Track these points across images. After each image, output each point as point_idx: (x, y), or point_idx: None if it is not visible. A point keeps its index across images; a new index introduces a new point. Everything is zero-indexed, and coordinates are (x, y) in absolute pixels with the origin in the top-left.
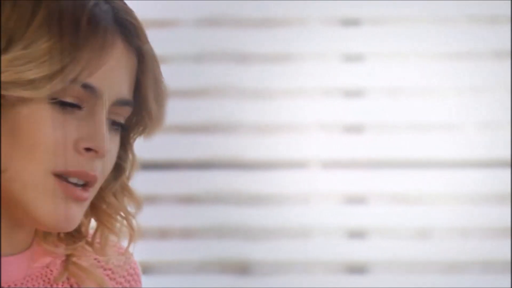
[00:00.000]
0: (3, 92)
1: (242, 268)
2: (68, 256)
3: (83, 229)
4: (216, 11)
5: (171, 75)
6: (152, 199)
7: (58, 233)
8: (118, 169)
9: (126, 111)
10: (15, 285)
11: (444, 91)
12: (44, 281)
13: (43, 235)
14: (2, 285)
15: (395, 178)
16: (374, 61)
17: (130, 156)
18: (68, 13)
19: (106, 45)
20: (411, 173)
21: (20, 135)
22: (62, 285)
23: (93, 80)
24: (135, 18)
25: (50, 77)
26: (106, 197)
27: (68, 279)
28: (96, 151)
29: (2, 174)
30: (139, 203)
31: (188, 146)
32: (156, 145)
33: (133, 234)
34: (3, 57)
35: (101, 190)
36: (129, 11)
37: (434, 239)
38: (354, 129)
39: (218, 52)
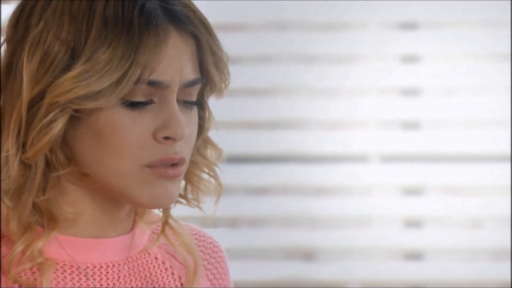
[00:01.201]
0: (77, 107)
1: (306, 255)
2: (165, 222)
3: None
4: (284, 15)
5: (242, 75)
6: (224, 190)
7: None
8: (200, 128)
9: (196, 89)
10: (119, 264)
11: (494, 89)
12: (142, 261)
13: (141, 213)
14: (106, 262)
15: (449, 171)
16: (429, 62)
17: (207, 112)
18: (119, 18)
19: (160, 40)
20: (463, 166)
21: (104, 138)
22: (159, 267)
23: (156, 75)
24: (183, 5)
25: (115, 84)
26: (192, 156)
27: (163, 262)
28: (174, 138)
29: (97, 175)
30: (220, 152)
31: (257, 142)
32: (228, 141)
33: (220, 186)
34: (69, 75)
35: None
36: (175, 0)
37: (485, 228)
38: (411, 125)
39: (285, 53)
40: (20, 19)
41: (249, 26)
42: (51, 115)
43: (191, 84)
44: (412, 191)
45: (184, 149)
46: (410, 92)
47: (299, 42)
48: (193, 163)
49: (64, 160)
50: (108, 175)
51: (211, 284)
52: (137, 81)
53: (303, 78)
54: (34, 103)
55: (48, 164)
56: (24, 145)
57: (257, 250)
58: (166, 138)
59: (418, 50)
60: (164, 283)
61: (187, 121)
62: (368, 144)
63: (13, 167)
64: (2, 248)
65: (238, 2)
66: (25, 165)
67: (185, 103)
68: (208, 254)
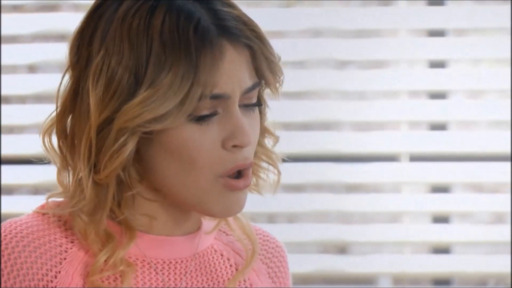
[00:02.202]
0: (146, 129)
1: (340, 249)
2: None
3: None
4: (317, 23)
5: None
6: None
7: None
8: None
9: (255, 92)
10: (186, 260)
11: None
12: (208, 258)
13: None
14: (175, 258)
15: (474, 169)
16: (456, 66)
17: (263, 103)
18: (175, 41)
19: (217, 57)
20: (488, 164)
21: (178, 154)
22: (224, 263)
23: (217, 90)
24: (233, 18)
25: (179, 105)
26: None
27: (228, 259)
28: (241, 146)
29: (168, 190)
30: (276, 139)
31: (293, 142)
32: (266, 141)
33: (279, 173)
34: (135, 101)
35: None
36: (228, 14)
37: (509, 222)
38: (438, 126)
39: (320, 59)
40: (80, 46)
41: (286, 33)
42: (121, 140)
43: (250, 90)
44: (440, 188)
45: (251, 152)
46: (438, 94)
47: (332, 48)
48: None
49: (137, 177)
50: (183, 189)
51: (273, 282)
52: (200, 98)
53: (336, 82)
54: (103, 127)
55: (121, 181)
56: (95, 166)
57: (293, 244)
58: (234, 146)
59: (445, 55)
60: (228, 279)
61: (250, 124)
62: (398, 144)
63: (87, 188)
64: (79, 253)
65: (276, 11)
66: (98, 185)
67: (246, 106)
68: (271, 253)
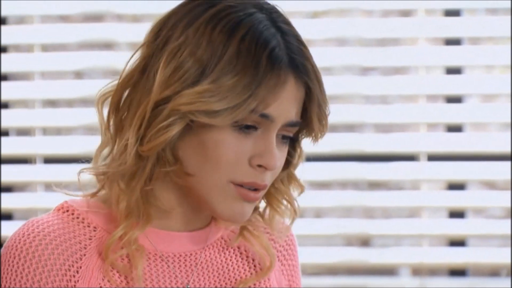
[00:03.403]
0: (194, 118)
1: (363, 241)
2: (243, 227)
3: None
4: (342, 32)
5: None
6: None
7: None
8: (286, 163)
9: (294, 129)
10: (196, 253)
11: None
12: (218, 249)
13: None
14: (185, 252)
15: (487, 167)
16: (471, 72)
17: (298, 151)
18: (251, 53)
19: (280, 82)
20: (500, 163)
21: (207, 150)
22: (234, 252)
23: (268, 110)
24: (306, 58)
25: (232, 109)
26: (275, 183)
27: (238, 247)
28: (266, 168)
29: (192, 178)
30: (302, 188)
31: (319, 142)
32: None
33: (295, 215)
34: (195, 89)
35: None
36: (301, 52)
37: None
38: (454, 127)
39: (344, 65)
40: (162, 29)
41: (314, 41)
42: (170, 119)
43: (292, 125)
44: (455, 185)
45: (269, 178)
46: (454, 98)
47: (356, 55)
48: (276, 190)
49: (172, 160)
50: (200, 182)
51: (282, 265)
52: (251, 112)
53: (360, 87)
54: (159, 104)
55: (158, 159)
56: (142, 139)
57: (320, 237)
58: (259, 166)
59: (461, 62)
60: (238, 266)
61: (280, 155)
62: (417, 144)
63: (130, 156)
64: (97, 249)
65: (304, 21)
66: (140, 156)
67: (282, 138)
68: (283, 247)
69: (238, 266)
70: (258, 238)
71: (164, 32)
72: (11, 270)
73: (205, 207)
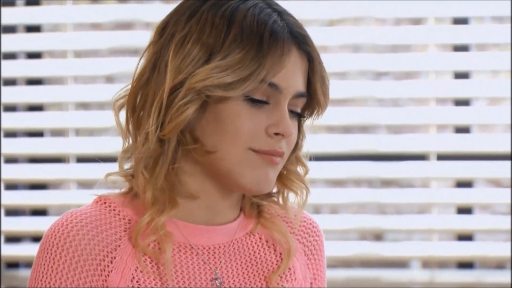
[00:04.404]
0: (209, 93)
1: (376, 236)
2: (259, 212)
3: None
4: (356, 39)
5: None
6: (309, 183)
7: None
8: (295, 145)
9: (302, 102)
10: (224, 246)
11: None
12: (244, 244)
13: (248, 207)
14: (214, 244)
15: (494, 166)
16: (477, 77)
17: (302, 133)
18: (253, 30)
19: (284, 52)
20: (506, 163)
21: (224, 124)
22: (261, 244)
23: (276, 80)
24: (305, 30)
25: (244, 80)
26: (286, 165)
27: (263, 239)
28: (282, 135)
29: (214, 155)
30: (307, 169)
31: (335, 142)
32: (313, 142)
33: (308, 191)
34: (208, 67)
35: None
36: (299, 25)
37: None
38: (462, 128)
39: (358, 70)
40: (166, 27)
41: (329, 48)
42: (188, 97)
43: (300, 95)
44: (463, 183)
45: (286, 147)
46: (462, 101)
47: (369, 61)
48: (289, 171)
49: (191, 141)
50: (222, 157)
51: (308, 260)
52: (261, 81)
53: (373, 90)
54: (175, 90)
55: (178, 143)
56: (162, 125)
57: (336, 231)
58: (276, 134)
59: (468, 67)
60: (266, 259)
61: (293, 126)
62: (427, 144)
63: (152, 142)
64: (132, 228)
65: (320, 29)
66: (161, 141)
67: (291, 112)
68: (308, 233)
69: (266, 259)
70: (275, 224)
71: (168, 29)
72: (49, 257)
73: (231, 184)
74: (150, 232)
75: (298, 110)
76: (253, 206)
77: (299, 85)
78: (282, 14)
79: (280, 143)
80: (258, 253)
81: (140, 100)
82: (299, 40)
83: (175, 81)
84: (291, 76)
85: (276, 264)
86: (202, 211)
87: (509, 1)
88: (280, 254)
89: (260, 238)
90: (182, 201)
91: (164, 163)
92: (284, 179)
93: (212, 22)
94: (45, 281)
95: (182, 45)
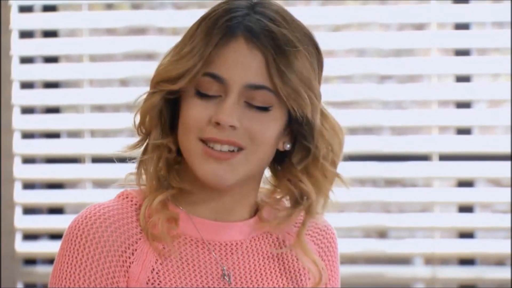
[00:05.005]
0: (162, 88)
1: (380, 233)
2: (298, 235)
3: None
4: (361, 44)
5: (329, 91)
6: None
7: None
8: (307, 151)
9: (262, 95)
10: (236, 244)
11: None
12: (264, 242)
13: (267, 208)
14: (225, 241)
15: (494, 166)
16: (478, 80)
17: (315, 140)
18: (207, 25)
19: (225, 43)
20: (506, 163)
21: (181, 117)
22: (278, 240)
23: (217, 71)
24: (262, 27)
25: (186, 72)
26: (296, 174)
27: (277, 238)
28: (218, 123)
29: (181, 148)
30: (331, 176)
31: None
32: None
33: (327, 202)
34: (162, 63)
35: (293, 167)
36: (261, 23)
37: None
38: (463, 130)
39: (363, 74)
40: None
41: (335, 52)
42: (149, 91)
43: (254, 87)
44: (465, 183)
45: (240, 138)
46: (463, 104)
47: (374, 65)
48: (297, 178)
49: (164, 136)
50: (183, 149)
51: (322, 260)
52: (198, 72)
53: (377, 93)
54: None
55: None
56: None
57: (342, 229)
58: (217, 123)
59: (469, 71)
60: (283, 258)
61: (249, 119)
62: (429, 145)
63: (140, 139)
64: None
65: (326, 34)
66: (145, 135)
67: (250, 105)
68: (322, 235)
69: (283, 258)
70: (306, 250)
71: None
72: (73, 249)
73: (196, 176)
74: (150, 213)
75: (258, 103)
76: (276, 213)
77: (249, 77)
78: (256, 13)
79: (224, 133)
80: (272, 252)
81: None
82: (251, 33)
83: (152, 82)
84: (235, 67)
85: (286, 282)
86: (205, 206)
87: (509, 7)
88: (297, 277)
89: (277, 238)
90: (188, 195)
91: (152, 158)
92: (295, 185)
93: (189, 28)
94: (69, 272)
95: (167, 53)
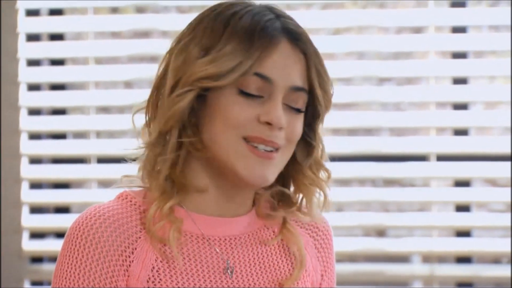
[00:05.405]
0: (199, 85)
1: (379, 232)
2: (283, 222)
3: (294, 199)
4: (361, 47)
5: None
6: None
7: (278, 201)
8: (310, 147)
9: (301, 97)
10: (235, 238)
11: None
12: (262, 235)
13: (262, 203)
14: (225, 236)
15: (490, 167)
16: (475, 82)
17: (317, 137)
18: (245, 27)
19: (273, 44)
20: (502, 163)
21: (218, 114)
22: (274, 234)
23: (265, 71)
24: (301, 29)
25: (231, 70)
26: (304, 171)
27: (273, 231)
28: (271, 123)
29: (212, 148)
30: (329, 174)
31: (341, 144)
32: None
33: (327, 199)
34: (200, 61)
35: (299, 165)
36: (296, 24)
37: None
38: (461, 131)
39: (362, 76)
40: (181, 39)
41: (335, 55)
42: (182, 90)
43: (296, 89)
44: (462, 183)
45: (280, 139)
46: (460, 105)
47: (373, 67)
48: (304, 176)
49: (191, 134)
50: (218, 148)
51: (318, 252)
52: (247, 71)
53: (376, 95)
54: (174, 89)
55: (181, 137)
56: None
57: (341, 228)
58: (267, 123)
59: (466, 73)
60: (278, 261)
61: (289, 120)
62: (427, 146)
63: (153, 137)
64: (140, 216)
65: (327, 37)
66: (164, 136)
67: (289, 107)
68: (318, 228)
69: (278, 261)
70: (295, 236)
71: (178, 39)
72: (74, 248)
73: (233, 178)
74: (159, 218)
75: (297, 105)
76: (273, 208)
77: (294, 78)
78: (280, 16)
79: (270, 133)
80: (271, 252)
81: (153, 105)
82: (293, 35)
83: (174, 80)
84: (282, 68)
85: (288, 268)
86: (214, 204)
87: (505, 11)
88: (294, 262)
89: (274, 232)
90: (195, 195)
91: (165, 156)
92: (299, 184)
93: (212, 27)
94: (70, 271)
95: (184, 49)
